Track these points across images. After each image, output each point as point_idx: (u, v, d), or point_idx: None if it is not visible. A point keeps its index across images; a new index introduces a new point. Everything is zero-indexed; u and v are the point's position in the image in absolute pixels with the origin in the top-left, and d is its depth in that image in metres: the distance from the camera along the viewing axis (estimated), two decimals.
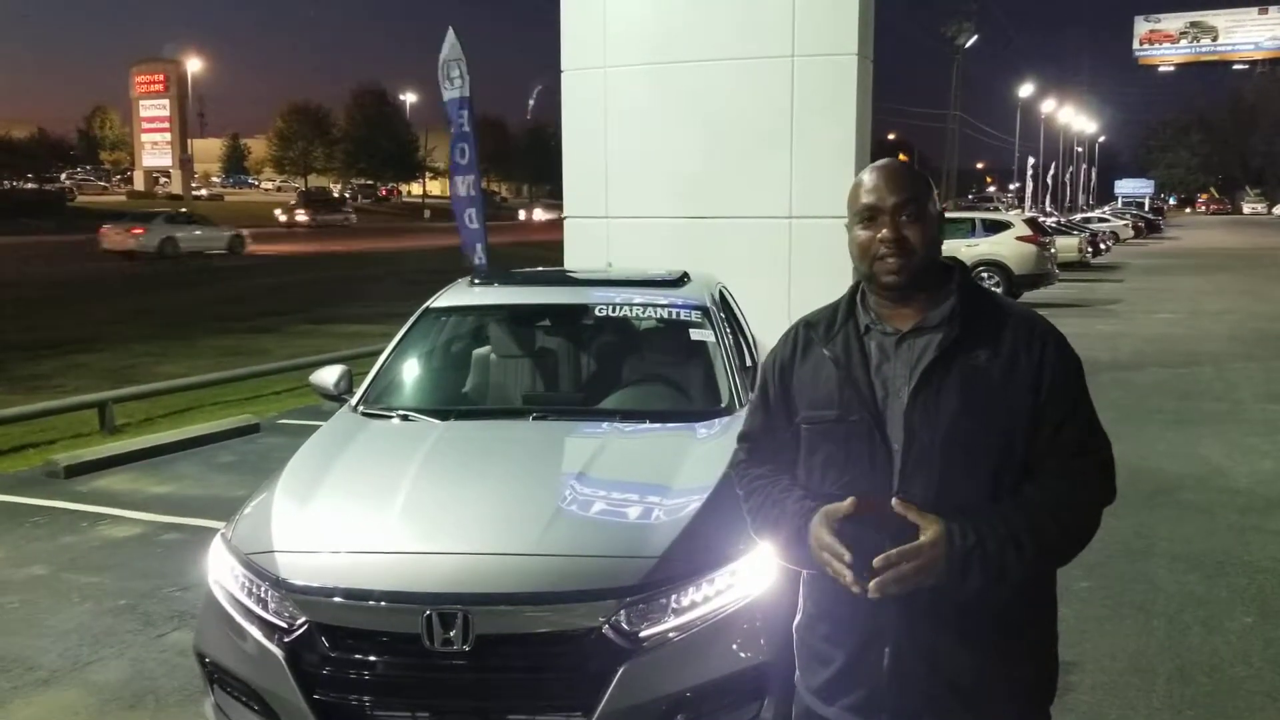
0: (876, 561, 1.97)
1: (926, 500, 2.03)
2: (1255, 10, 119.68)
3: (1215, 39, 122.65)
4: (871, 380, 2.15)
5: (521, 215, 68.81)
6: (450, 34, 10.78)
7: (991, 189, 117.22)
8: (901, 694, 2.13)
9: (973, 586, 2.01)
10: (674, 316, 5.31)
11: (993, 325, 2.15)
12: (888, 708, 2.15)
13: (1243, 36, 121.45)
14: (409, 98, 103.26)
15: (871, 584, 1.97)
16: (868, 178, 2.20)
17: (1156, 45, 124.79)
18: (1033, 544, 2.04)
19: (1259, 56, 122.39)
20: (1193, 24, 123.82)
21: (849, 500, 2.03)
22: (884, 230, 2.14)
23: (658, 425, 4.60)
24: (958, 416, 2.07)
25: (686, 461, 4.16)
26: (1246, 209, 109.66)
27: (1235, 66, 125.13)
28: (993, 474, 2.08)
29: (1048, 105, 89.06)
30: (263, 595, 3.46)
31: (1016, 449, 2.09)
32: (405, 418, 4.73)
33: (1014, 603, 2.11)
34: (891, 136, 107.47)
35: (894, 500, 2.01)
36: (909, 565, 1.96)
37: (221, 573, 3.67)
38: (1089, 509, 2.15)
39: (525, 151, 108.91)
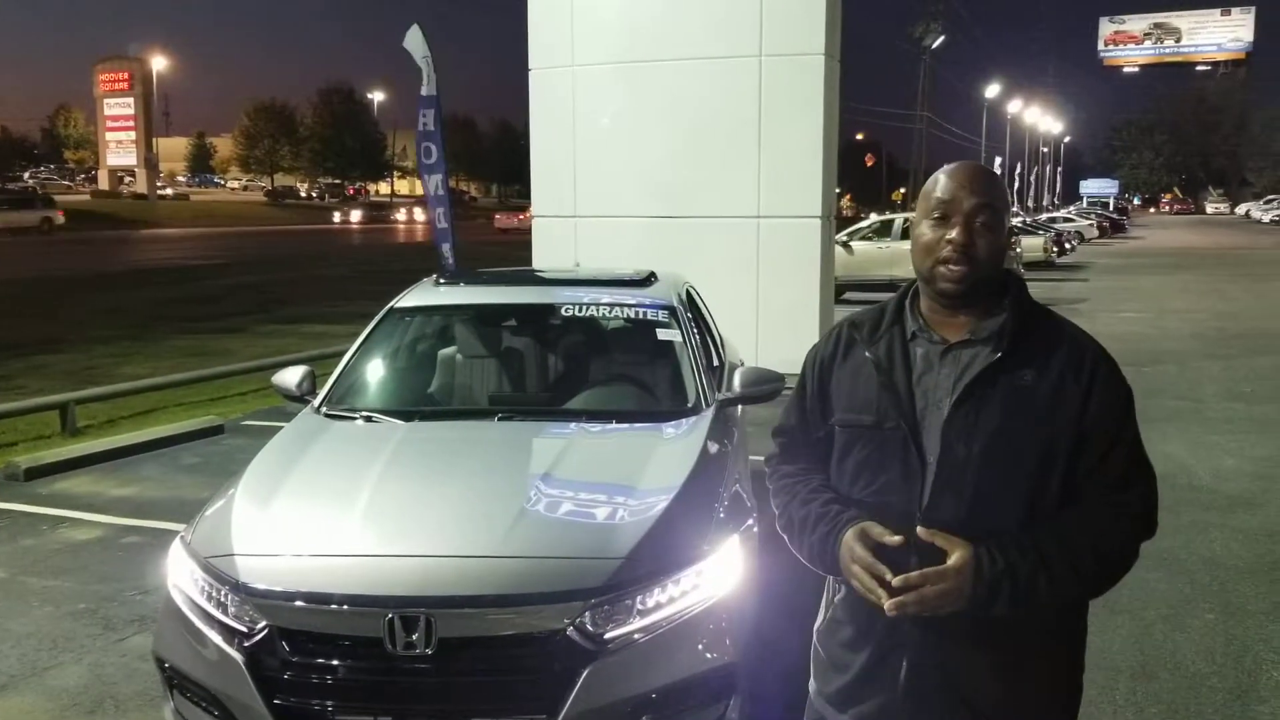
0: (896, 581, 1.92)
1: (957, 517, 1.98)
2: (1218, 12, 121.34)
3: (1179, 40, 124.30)
4: (913, 389, 2.09)
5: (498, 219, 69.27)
6: (415, 30, 10.70)
7: None
8: (915, 708, 2.07)
9: (998, 613, 1.95)
10: (641, 316, 5.29)
11: (1044, 345, 2.07)
12: (902, 718, 2.10)
13: (1205, 38, 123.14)
14: (377, 96, 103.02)
15: (889, 602, 1.93)
16: (944, 175, 2.12)
17: (1121, 46, 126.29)
18: (1066, 573, 1.97)
19: (1221, 58, 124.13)
20: (1156, 25, 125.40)
21: (898, 538, 1.96)
22: (954, 232, 2.05)
23: (624, 425, 4.58)
24: (997, 434, 2.00)
25: (653, 462, 4.14)
26: (1210, 209, 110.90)
27: (1198, 68, 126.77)
28: (1027, 497, 2.01)
29: (1014, 106, 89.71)
30: (222, 599, 3.42)
31: (1055, 473, 2.02)
32: (369, 419, 4.69)
33: (1039, 627, 2.05)
34: (860, 137, 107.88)
35: (920, 530, 1.96)
36: (931, 589, 1.91)
37: (181, 576, 3.63)
38: (1127, 542, 2.07)
39: (494, 150, 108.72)
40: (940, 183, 2.10)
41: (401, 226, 73.22)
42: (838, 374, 2.21)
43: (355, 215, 77.65)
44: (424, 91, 10.70)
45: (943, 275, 2.06)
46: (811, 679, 2.32)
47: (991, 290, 2.11)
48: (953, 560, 1.92)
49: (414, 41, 10.64)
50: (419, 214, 68.45)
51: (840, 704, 2.20)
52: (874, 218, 27.50)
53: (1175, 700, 4.47)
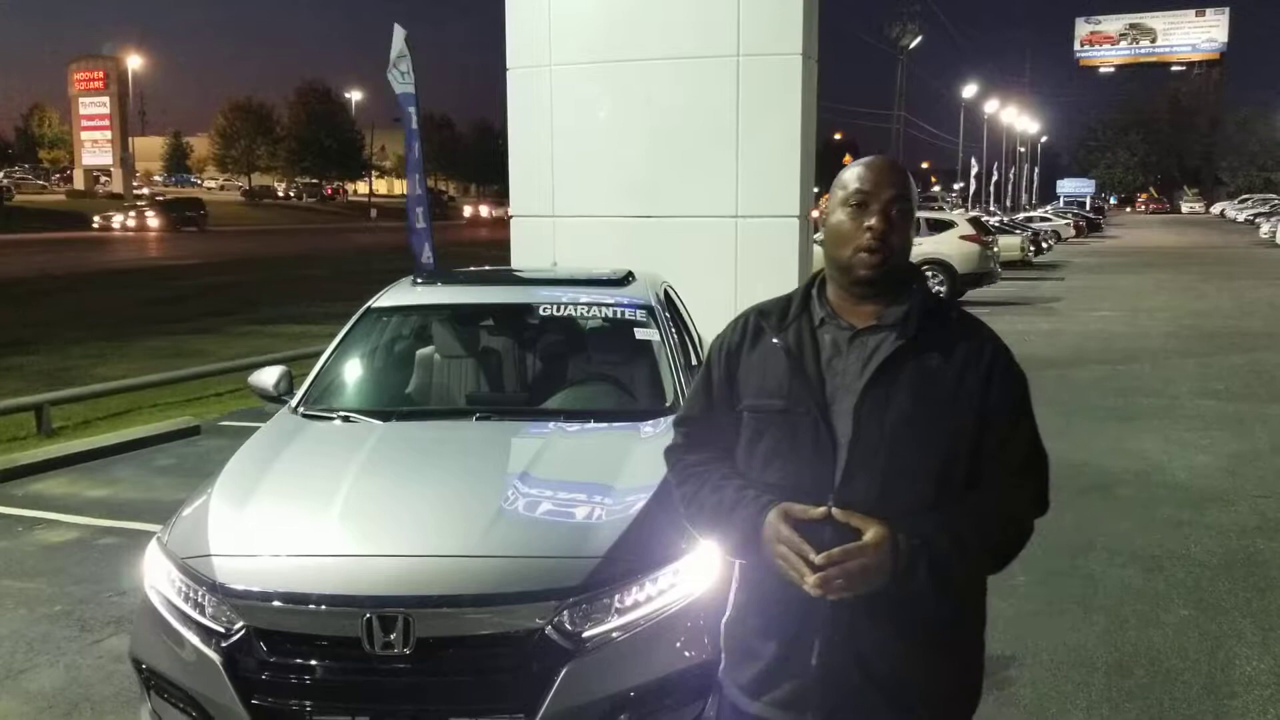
0: (819, 558, 1.96)
1: (869, 497, 2.04)
2: (1193, 13, 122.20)
3: (1154, 41, 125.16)
4: (822, 373, 2.14)
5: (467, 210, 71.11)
6: (397, 30, 10.69)
7: (936, 189, 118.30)
8: (828, 689, 2.12)
9: (918, 589, 2.01)
10: (619, 316, 5.29)
11: (946, 332, 2.15)
12: (813, 704, 2.14)
13: (1180, 38, 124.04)
14: (354, 95, 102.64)
15: (811, 578, 1.97)
16: (861, 167, 2.19)
17: (1097, 46, 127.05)
18: (977, 548, 2.08)
19: (1196, 58, 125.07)
20: (1132, 26, 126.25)
21: (821, 509, 2.02)
22: (872, 219, 2.12)
23: (602, 425, 4.58)
24: (907, 416, 2.07)
25: (630, 461, 4.14)
26: (1185, 208, 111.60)
27: (1173, 68, 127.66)
28: (935, 478, 2.09)
29: (991, 106, 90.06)
30: (199, 600, 3.41)
31: (959, 455, 2.10)
32: (346, 419, 4.68)
33: (945, 606, 2.12)
34: (838, 136, 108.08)
35: (833, 511, 2.01)
36: (854, 563, 1.96)
37: (157, 577, 3.61)
38: (1026, 520, 2.18)
39: (472, 150, 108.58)
40: (858, 174, 2.17)
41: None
42: (746, 361, 2.24)
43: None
44: (404, 90, 10.68)
45: (861, 262, 2.13)
46: (722, 670, 2.35)
47: (900, 280, 2.18)
48: (869, 536, 1.98)
49: (396, 42, 10.63)
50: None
51: (754, 692, 2.23)
52: None
53: (1150, 696, 4.51)
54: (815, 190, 9.26)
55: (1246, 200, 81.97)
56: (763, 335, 2.24)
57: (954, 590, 2.10)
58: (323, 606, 3.28)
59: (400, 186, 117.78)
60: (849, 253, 2.14)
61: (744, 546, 2.13)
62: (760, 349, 2.23)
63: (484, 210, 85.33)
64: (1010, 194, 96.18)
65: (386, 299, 5.57)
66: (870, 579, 1.98)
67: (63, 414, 10.03)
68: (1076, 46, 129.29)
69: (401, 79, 10.68)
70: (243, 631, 3.30)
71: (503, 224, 10.23)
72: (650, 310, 5.27)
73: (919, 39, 77.99)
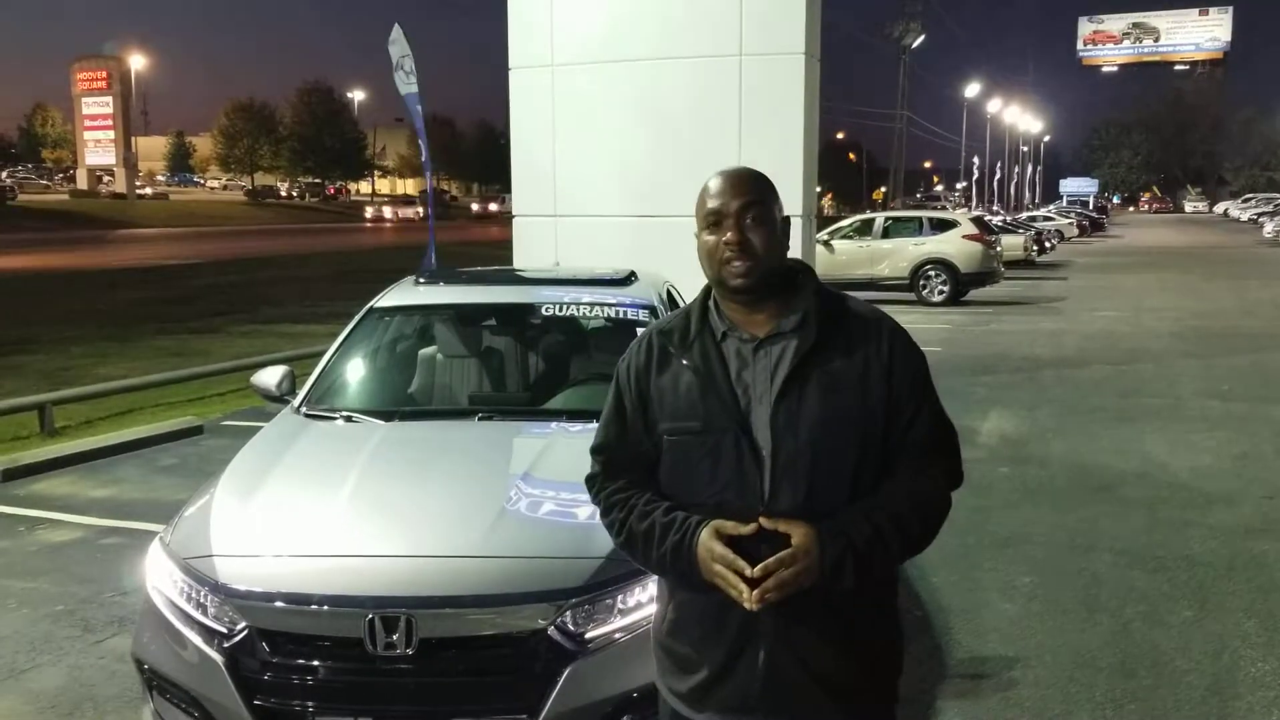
0: (755, 571, 2.00)
1: (796, 504, 2.09)
2: (1195, 12, 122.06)
3: (1157, 40, 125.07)
4: (734, 388, 2.16)
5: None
6: (396, 30, 10.69)
7: (939, 188, 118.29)
8: (775, 694, 2.15)
9: (846, 584, 2.06)
10: (621, 315, 5.28)
11: (844, 328, 2.19)
12: (760, 709, 2.17)
13: (1183, 38, 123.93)
14: (356, 95, 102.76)
15: (752, 594, 2.00)
16: (712, 183, 2.21)
17: (1100, 46, 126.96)
18: (897, 537, 2.12)
19: (1199, 57, 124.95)
20: (1135, 25, 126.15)
21: (751, 525, 2.04)
22: (728, 234, 2.15)
23: None
24: (821, 420, 2.11)
25: None
26: (1188, 207, 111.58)
27: (1176, 67, 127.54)
28: (853, 474, 2.13)
29: (994, 105, 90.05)
30: (202, 600, 3.41)
31: (874, 447, 2.15)
32: (349, 419, 4.67)
33: (864, 590, 2.14)
34: (840, 136, 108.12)
35: (761, 519, 2.04)
36: (787, 571, 2.01)
37: (160, 578, 3.61)
38: (942, 495, 2.22)
39: (474, 150, 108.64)
40: (708, 191, 2.21)
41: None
42: (656, 384, 2.25)
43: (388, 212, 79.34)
44: (408, 90, 10.70)
45: (729, 274, 2.16)
46: (658, 678, 2.36)
47: (784, 283, 2.21)
48: (796, 541, 2.02)
49: (396, 41, 10.64)
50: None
51: (696, 702, 2.24)
52: (854, 217, 27.55)
53: (1154, 697, 4.50)
54: (818, 190, 9.25)
55: (1250, 200, 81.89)
56: (669, 355, 2.24)
57: (876, 580, 2.15)
58: (325, 607, 3.27)
59: (403, 186, 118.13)
60: (717, 268, 2.18)
61: (679, 569, 2.14)
62: (669, 370, 2.23)
63: (494, 206, 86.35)
64: (1014, 193, 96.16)
65: (389, 299, 5.56)
66: (802, 581, 2.02)
67: (65, 413, 10.02)
68: (1079, 46, 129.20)
69: (406, 80, 10.70)
70: (245, 632, 3.30)
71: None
72: (653, 310, 5.26)
73: (921, 38, 77.97)
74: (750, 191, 2.18)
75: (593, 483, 2.38)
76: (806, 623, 2.11)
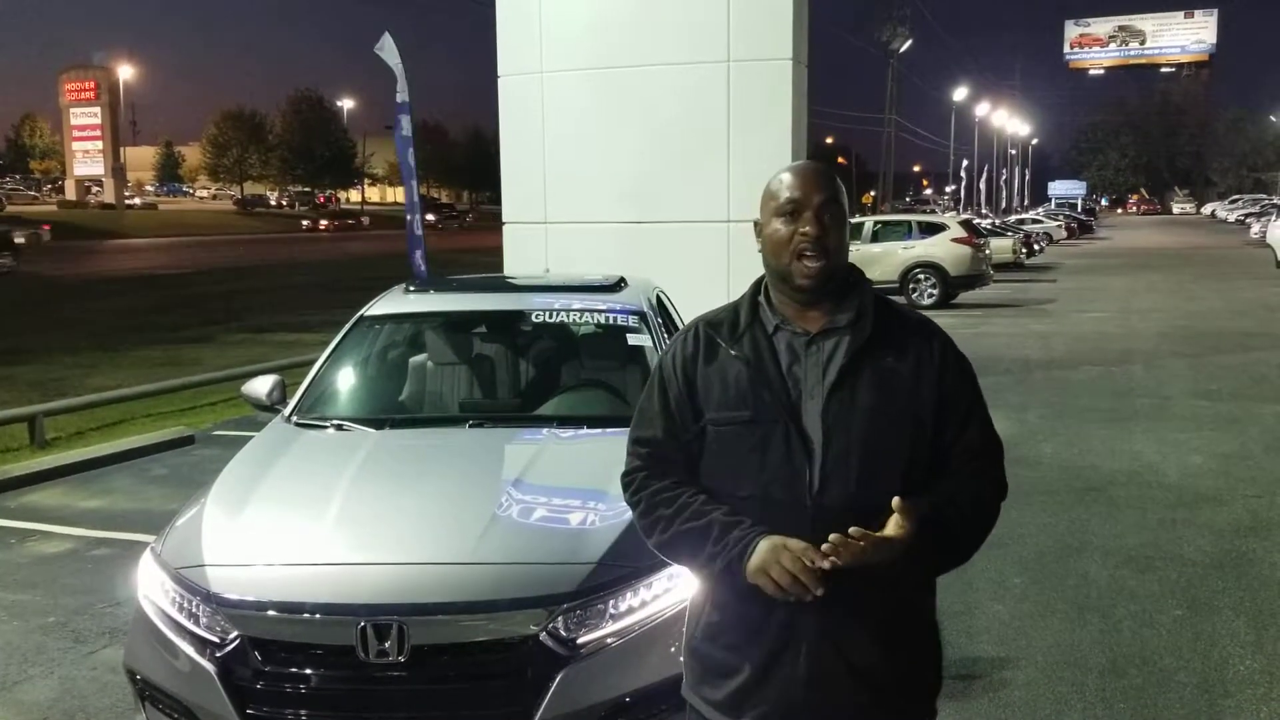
0: (834, 537, 1.95)
1: (845, 498, 2.07)
2: (1181, 14, 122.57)
3: (1143, 43, 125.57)
4: (785, 380, 2.14)
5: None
6: (386, 38, 10.70)
7: (928, 192, 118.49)
8: (818, 695, 2.11)
9: (925, 560, 2.07)
10: (611, 321, 5.30)
11: (896, 329, 2.19)
12: (805, 711, 2.13)
13: (1169, 40, 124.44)
14: (346, 103, 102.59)
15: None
16: (786, 176, 2.20)
17: (1086, 49, 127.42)
18: (963, 536, 2.15)
19: (1185, 59, 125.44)
20: (1121, 28, 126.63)
21: (827, 562, 1.96)
22: (807, 226, 2.13)
23: (595, 430, 4.58)
24: (873, 415, 2.10)
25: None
26: (1176, 209, 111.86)
27: (1163, 69, 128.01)
28: (903, 472, 2.12)
29: (982, 109, 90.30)
30: (194, 610, 3.41)
31: (923, 447, 2.14)
32: (340, 427, 4.67)
33: (911, 597, 2.17)
34: (829, 140, 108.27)
35: (851, 530, 1.96)
36: (868, 541, 1.96)
37: (151, 588, 3.61)
38: (994, 503, 2.22)
39: (465, 157, 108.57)
40: (788, 181, 2.19)
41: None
42: (704, 374, 2.22)
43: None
44: (398, 98, 10.71)
45: (800, 271, 2.15)
46: (689, 689, 2.31)
47: (843, 283, 2.20)
48: (890, 530, 2.00)
49: (386, 49, 10.64)
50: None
51: (734, 709, 2.19)
52: None
53: (1144, 696, 4.52)
54: None
55: (1237, 201, 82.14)
56: (716, 346, 2.22)
57: (914, 583, 2.16)
58: (317, 615, 3.28)
59: (392, 194, 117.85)
60: (787, 260, 2.15)
61: (733, 568, 2.07)
62: (717, 361, 2.21)
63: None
64: (1002, 196, 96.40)
65: (379, 307, 5.57)
66: (877, 556, 1.97)
67: (56, 425, 10.00)
68: (1066, 49, 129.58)
69: (399, 89, 10.71)
70: (237, 641, 3.30)
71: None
72: (642, 316, 5.28)
73: (909, 42, 78.19)
74: (830, 187, 2.17)
75: (632, 477, 2.29)
76: (847, 613, 2.08)
